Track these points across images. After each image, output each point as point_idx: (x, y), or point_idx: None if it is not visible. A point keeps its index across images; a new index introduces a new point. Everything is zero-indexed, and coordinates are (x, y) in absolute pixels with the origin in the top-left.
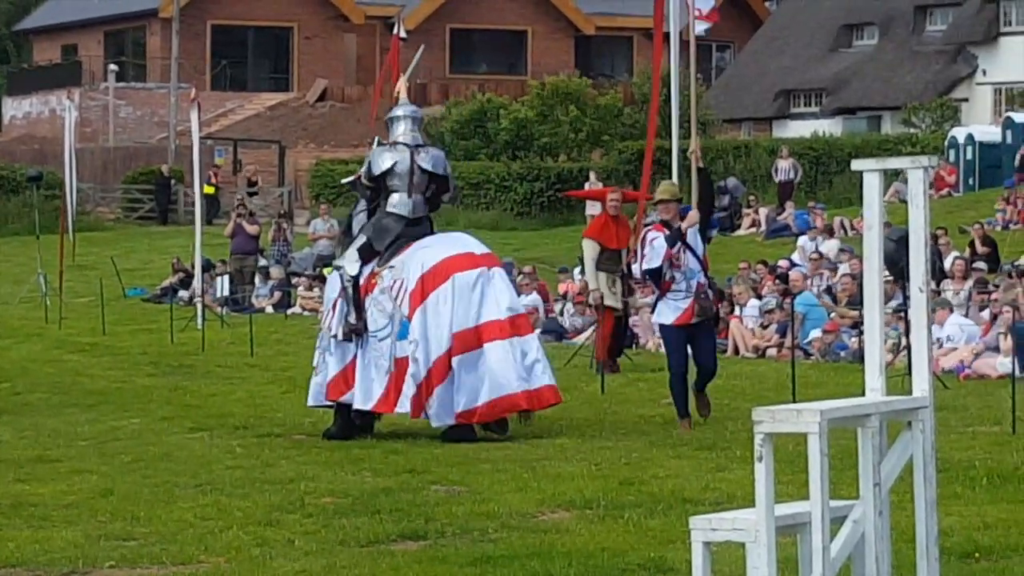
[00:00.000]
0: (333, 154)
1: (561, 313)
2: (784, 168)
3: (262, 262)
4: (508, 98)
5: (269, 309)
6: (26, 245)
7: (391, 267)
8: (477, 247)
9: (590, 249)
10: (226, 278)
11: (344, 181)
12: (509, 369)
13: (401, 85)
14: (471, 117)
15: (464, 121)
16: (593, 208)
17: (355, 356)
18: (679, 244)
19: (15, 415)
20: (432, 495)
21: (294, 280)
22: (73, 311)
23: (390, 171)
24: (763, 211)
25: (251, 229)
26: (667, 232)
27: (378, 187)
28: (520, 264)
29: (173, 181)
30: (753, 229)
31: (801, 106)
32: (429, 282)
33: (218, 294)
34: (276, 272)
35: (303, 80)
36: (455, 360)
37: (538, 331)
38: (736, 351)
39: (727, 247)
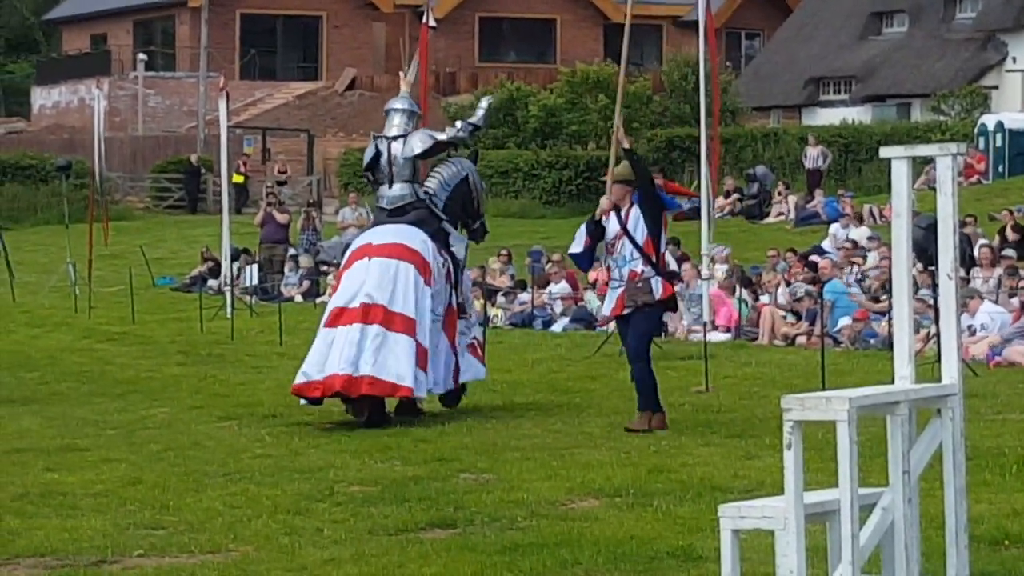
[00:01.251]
0: (362, 143)
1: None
2: (813, 156)
3: (291, 251)
4: (537, 86)
5: (298, 298)
6: (55, 234)
7: None
8: (382, 238)
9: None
10: (255, 267)
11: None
12: (343, 352)
13: (403, 81)
14: (500, 105)
15: (493, 109)
16: None
17: None
18: (619, 229)
19: (44, 404)
20: (461, 483)
21: (323, 268)
22: (102, 300)
23: (374, 164)
24: (792, 199)
25: (281, 218)
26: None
27: (374, 178)
28: (549, 252)
29: (203, 170)
30: (782, 217)
31: (831, 94)
32: (338, 278)
33: (247, 283)
34: (305, 261)
35: (332, 69)
36: (320, 332)
37: (423, 329)
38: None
39: (756, 235)
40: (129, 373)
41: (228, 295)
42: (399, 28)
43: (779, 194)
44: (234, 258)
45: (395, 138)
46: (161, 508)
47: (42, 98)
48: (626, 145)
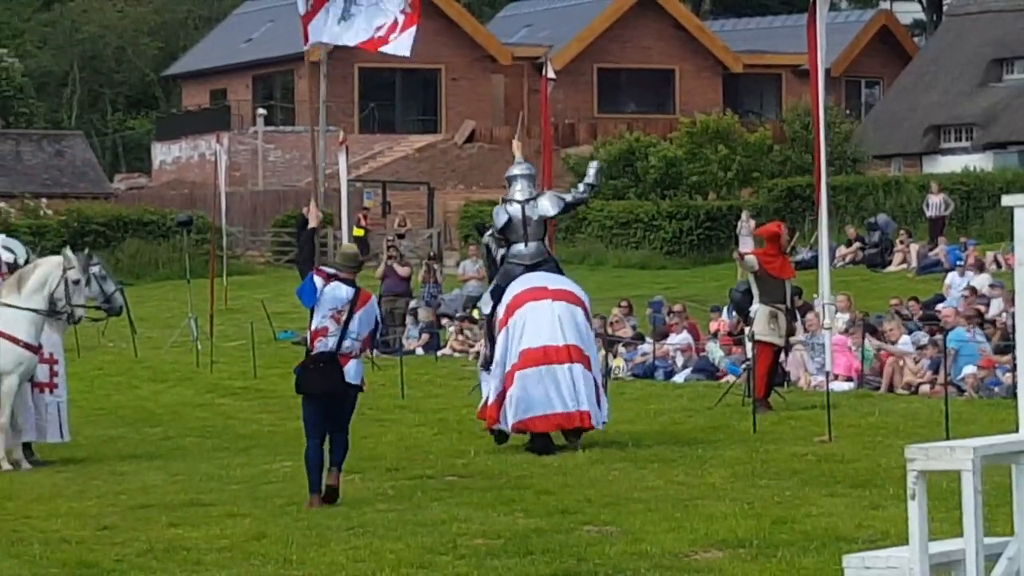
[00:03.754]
0: (482, 195)
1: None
2: (936, 203)
3: (412, 304)
4: (656, 137)
5: (419, 351)
6: (177, 289)
7: (500, 303)
8: (553, 283)
9: (751, 262)
10: None
11: (485, 236)
12: (558, 390)
13: (516, 146)
14: (620, 156)
15: (613, 160)
16: (745, 246)
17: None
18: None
19: (167, 459)
20: (584, 536)
21: (444, 321)
22: (224, 355)
23: (508, 225)
24: (914, 247)
25: (402, 271)
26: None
27: (505, 237)
28: (670, 302)
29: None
30: (904, 265)
31: (951, 141)
32: (510, 311)
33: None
34: (425, 314)
35: (451, 121)
36: (517, 374)
37: (595, 364)
38: (890, 388)
39: (878, 283)
40: (252, 428)
41: None
42: (518, 80)
43: (901, 242)
44: None
45: (525, 201)
46: (285, 563)
47: (162, 154)
48: (312, 224)
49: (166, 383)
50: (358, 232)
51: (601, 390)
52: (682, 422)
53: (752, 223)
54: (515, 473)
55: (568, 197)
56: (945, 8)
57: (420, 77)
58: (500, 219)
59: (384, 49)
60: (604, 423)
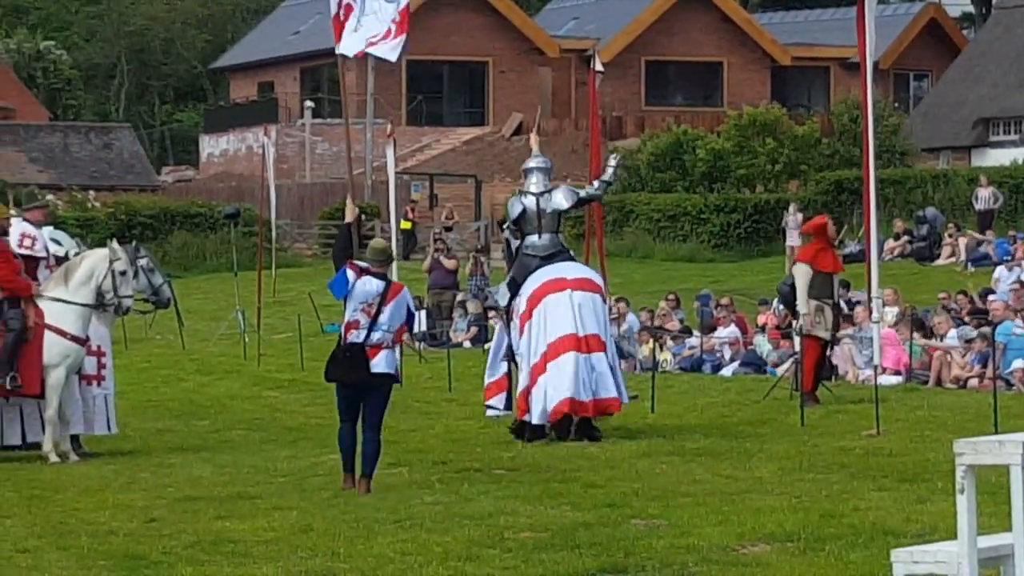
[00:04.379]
0: None
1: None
2: (984, 197)
3: (460, 296)
4: (704, 129)
5: (467, 344)
6: (224, 282)
7: (520, 296)
8: (572, 273)
9: (802, 275)
10: (423, 313)
11: (506, 231)
12: (580, 379)
13: (533, 139)
14: (667, 149)
15: (660, 153)
16: (792, 239)
17: (507, 373)
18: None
19: (214, 452)
20: (632, 529)
21: (491, 315)
22: (271, 347)
23: (523, 217)
24: (963, 240)
25: (449, 264)
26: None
27: (520, 229)
28: (718, 296)
29: (364, 216)
30: (953, 258)
31: (1000, 134)
32: (532, 305)
33: (416, 329)
34: (473, 306)
35: (498, 114)
36: (549, 364)
37: (611, 348)
38: (939, 382)
39: (927, 277)
40: (299, 420)
41: None
42: (565, 73)
43: (949, 236)
44: None
45: (540, 194)
46: (332, 555)
47: (210, 146)
48: (348, 219)
49: (213, 375)
50: (405, 225)
51: (618, 372)
52: (730, 416)
53: (799, 216)
54: (562, 466)
55: (582, 192)
56: (994, 1)
57: (468, 70)
58: (515, 210)
59: (371, 51)
60: (625, 403)
